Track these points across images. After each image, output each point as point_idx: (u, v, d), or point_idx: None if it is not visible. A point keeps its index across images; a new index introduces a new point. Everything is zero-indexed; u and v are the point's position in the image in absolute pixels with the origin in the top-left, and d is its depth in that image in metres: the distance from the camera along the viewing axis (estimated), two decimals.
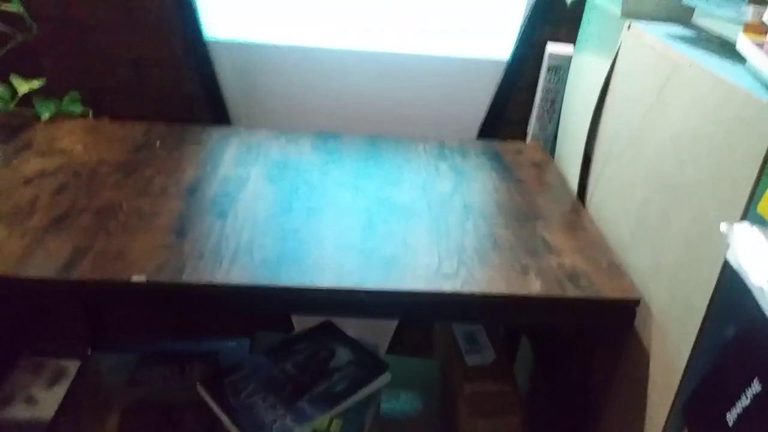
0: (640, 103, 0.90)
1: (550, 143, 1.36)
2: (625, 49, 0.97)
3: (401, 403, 1.28)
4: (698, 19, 0.95)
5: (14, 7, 1.12)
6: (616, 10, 1.00)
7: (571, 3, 1.18)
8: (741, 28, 0.79)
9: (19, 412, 1.20)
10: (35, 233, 0.88)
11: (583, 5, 1.19)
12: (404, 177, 1.13)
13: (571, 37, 1.29)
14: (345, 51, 1.38)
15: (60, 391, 1.21)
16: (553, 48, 1.30)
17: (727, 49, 0.82)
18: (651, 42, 0.88)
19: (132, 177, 1.05)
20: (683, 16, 0.94)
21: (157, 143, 1.17)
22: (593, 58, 1.11)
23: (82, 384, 1.20)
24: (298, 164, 1.14)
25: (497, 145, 1.31)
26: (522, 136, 1.43)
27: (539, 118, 1.36)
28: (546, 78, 1.32)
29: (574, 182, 1.13)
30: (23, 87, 1.15)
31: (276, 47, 1.38)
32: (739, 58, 0.77)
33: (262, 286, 0.82)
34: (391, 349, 1.50)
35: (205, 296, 0.83)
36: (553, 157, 1.31)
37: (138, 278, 0.81)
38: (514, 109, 1.42)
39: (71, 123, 1.24)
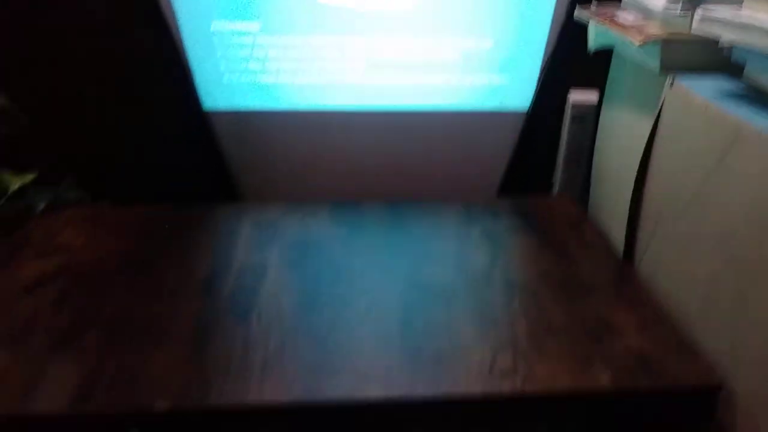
0: (697, 166, 0.82)
1: (578, 194, 1.28)
2: (669, 107, 0.89)
3: None
4: (751, 74, 0.86)
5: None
6: (653, 63, 0.93)
7: (595, 49, 1.12)
8: None
9: None
10: (37, 358, 0.78)
11: (608, 51, 1.12)
12: (434, 249, 1.05)
13: (593, 82, 1.22)
14: (355, 112, 1.31)
15: None
16: (576, 96, 1.23)
17: None
18: (702, 103, 0.81)
19: (140, 275, 0.96)
20: (729, 66, 0.87)
21: (166, 225, 1.08)
22: (629, 114, 1.04)
23: None
24: (318, 243, 1.05)
25: (526, 202, 1.22)
26: (544, 186, 1.35)
27: (566, 170, 1.28)
28: (570, 128, 1.24)
29: (618, 241, 1.05)
30: (15, 183, 1.06)
31: (280, 113, 1.30)
32: None
33: (300, 403, 0.73)
34: None
35: (237, 419, 0.74)
36: (585, 209, 1.23)
37: (161, 405, 0.71)
38: (535, 160, 1.34)
39: (69, 212, 1.14)
